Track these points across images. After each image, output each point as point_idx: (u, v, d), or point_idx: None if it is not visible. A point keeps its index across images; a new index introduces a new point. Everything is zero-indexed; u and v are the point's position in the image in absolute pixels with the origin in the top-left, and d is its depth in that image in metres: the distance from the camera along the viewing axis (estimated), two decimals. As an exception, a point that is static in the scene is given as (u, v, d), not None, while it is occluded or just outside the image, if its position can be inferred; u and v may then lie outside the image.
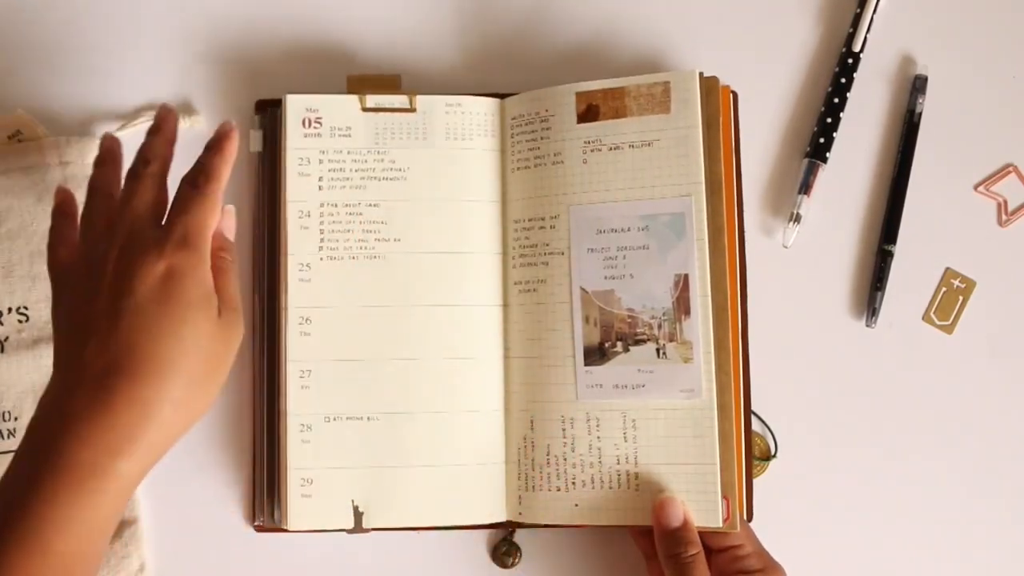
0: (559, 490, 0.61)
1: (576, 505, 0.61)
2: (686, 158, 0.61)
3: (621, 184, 0.62)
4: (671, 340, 0.60)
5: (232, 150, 0.55)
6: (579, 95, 0.63)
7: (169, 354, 0.48)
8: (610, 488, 0.60)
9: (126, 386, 0.47)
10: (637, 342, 0.61)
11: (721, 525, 0.58)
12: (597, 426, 0.61)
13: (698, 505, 0.59)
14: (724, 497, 0.59)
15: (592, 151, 0.63)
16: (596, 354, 0.61)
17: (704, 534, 0.59)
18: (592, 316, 0.62)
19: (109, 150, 0.57)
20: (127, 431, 0.47)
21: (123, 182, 0.55)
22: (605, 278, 0.62)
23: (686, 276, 0.60)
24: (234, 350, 0.52)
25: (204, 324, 0.50)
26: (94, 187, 0.55)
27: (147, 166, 0.54)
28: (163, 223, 0.52)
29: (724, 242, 0.61)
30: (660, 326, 0.61)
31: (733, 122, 0.64)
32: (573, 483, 0.61)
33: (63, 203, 0.56)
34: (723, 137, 0.62)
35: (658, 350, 0.60)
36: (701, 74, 0.62)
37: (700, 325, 0.60)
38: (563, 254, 0.62)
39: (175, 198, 0.53)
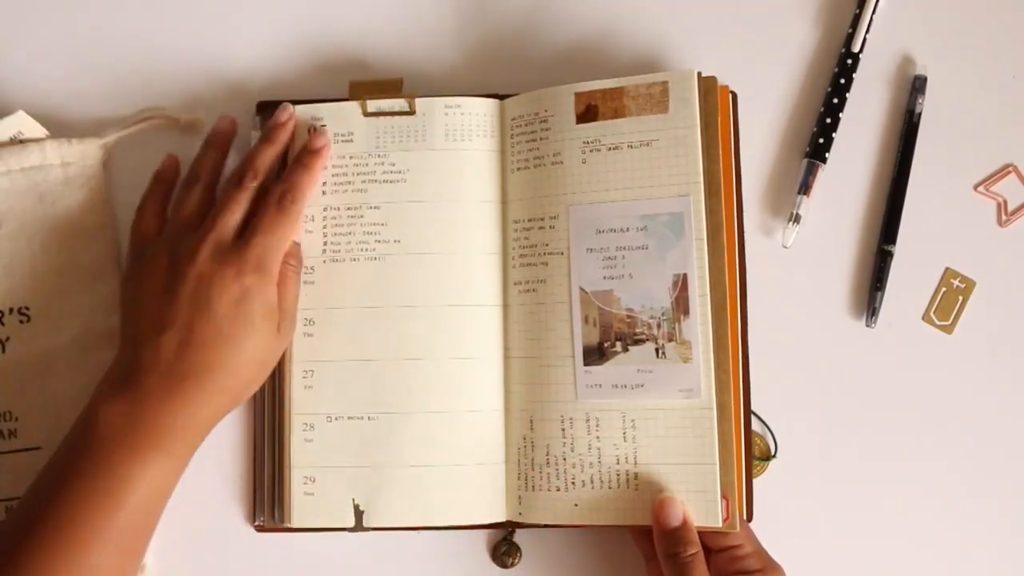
0: (559, 490, 0.61)
1: (576, 505, 0.61)
2: (684, 158, 0.61)
3: (620, 184, 0.62)
4: (670, 340, 0.60)
5: (320, 167, 0.63)
6: (578, 95, 0.63)
7: (232, 360, 0.57)
8: (609, 488, 0.60)
9: (193, 381, 0.56)
10: (636, 342, 0.61)
11: (721, 525, 0.58)
12: (596, 426, 0.61)
13: (697, 505, 0.59)
14: (724, 497, 0.58)
15: (591, 151, 0.63)
16: (595, 354, 0.61)
17: (703, 534, 0.59)
18: (591, 316, 0.62)
19: (223, 133, 0.65)
20: (186, 417, 0.56)
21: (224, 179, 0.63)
22: (604, 278, 0.62)
23: (685, 276, 0.60)
24: (282, 347, 0.61)
25: (264, 337, 0.58)
26: (196, 171, 0.64)
27: (253, 179, 0.61)
28: (245, 237, 0.59)
29: (723, 241, 0.60)
30: (659, 326, 0.60)
31: (732, 122, 0.64)
32: (573, 483, 0.61)
33: (165, 171, 0.65)
34: (722, 137, 0.61)
35: (657, 350, 0.60)
36: (699, 74, 0.62)
37: (699, 325, 0.60)
38: (562, 254, 0.62)
39: (259, 212, 0.60)
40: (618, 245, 0.62)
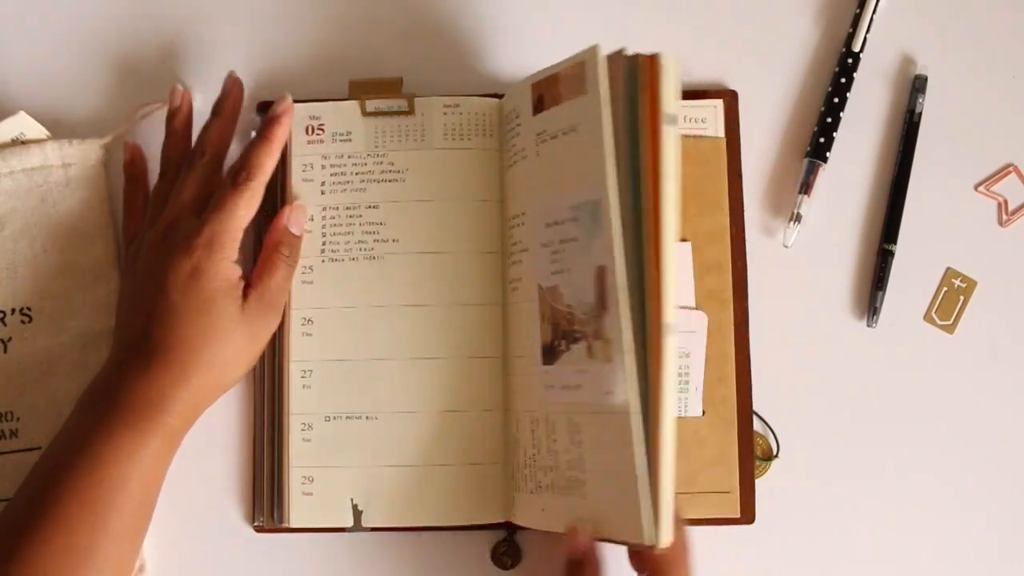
0: (531, 493, 0.59)
1: (542, 510, 0.58)
2: (598, 140, 0.55)
3: (559, 174, 0.58)
4: (596, 338, 0.55)
5: (279, 137, 0.62)
6: (532, 86, 0.60)
7: (192, 335, 0.57)
8: (566, 494, 0.57)
9: (161, 357, 0.57)
10: (575, 340, 0.56)
11: (644, 542, 0.52)
12: (553, 429, 0.58)
13: (620, 520, 0.53)
14: (659, 515, 0.52)
15: (541, 142, 0.59)
16: (550, 353, 0.58)
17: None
18: (546, 313, 0.58)
19: (177, 116, 0.64)
20: (165, 390, 0.56)
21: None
22: (552, 273, 0.58)
23: (603, 268, 0.55)
24: (260, 336, 0.60)
25: (225, 312, 0.58)
26: (163, 161, 0.64)
27: (202, 156, 0.61)
28: (202, 215, 0.59)
29: (649, 231, 0.54)
30: (589, 322, 0.55)
31: (734, 122, 0.64)
32: (540, 486, 0.58)
33: (130, 166, 0.65)
34: (649, 116, 0.54)
35: (588, 348, 0.55)
36: (621, 51, 0.56)
37: (618, 321, 0.53)
38: (527, 251, 0.60)
39: (216, 193, 0.60)
40: (560, 238, 0.58)
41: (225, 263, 0.58)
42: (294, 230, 0.63)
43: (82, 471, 0.54)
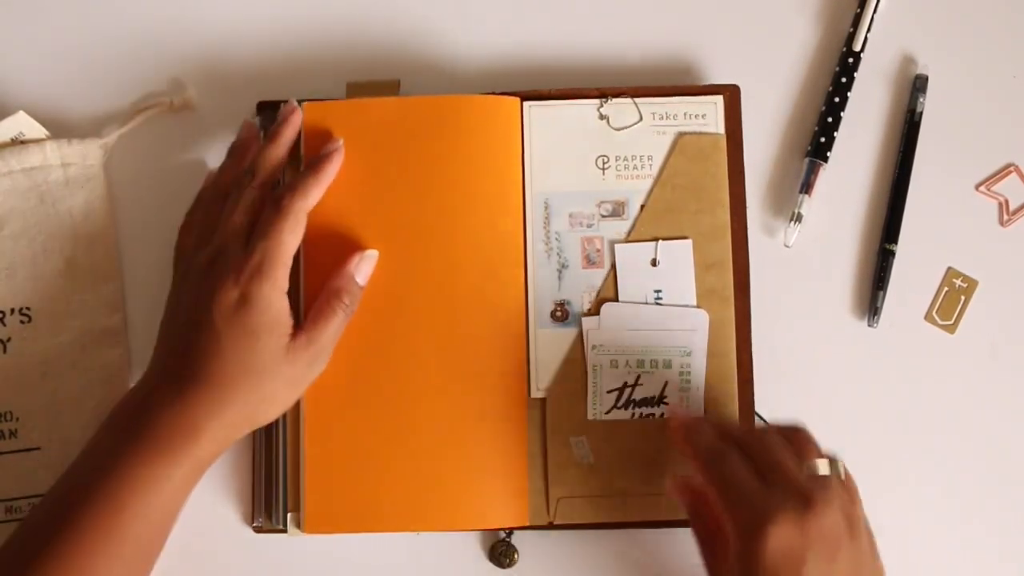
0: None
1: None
2: None
3: None
4: None
5: (330, 172, 0.60)
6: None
7: (232, 370, 0.55)
8: None
9: (194, 389, 0.55)
10: None
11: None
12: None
13: None
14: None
15: None
16: None
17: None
18: None
19: (244, 141, 0.63)
20: (195, 422, 0.54)
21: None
22: None
23: None
24: (300, 382, 0.58)
25: (268, 349, 0.56)
26: (209, 186, 0.62)
27: (253, 177, 0.60)
28: (249, 241, 0.57)
29: None
30: None
31: (737, 117, 0.64)
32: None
33: (204, 190, 0.63)
34: None
35: None
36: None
37: None
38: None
39: (261, 217, 0.58)
40: None
41: (276, 293, 0.56)
42: (359, 280, 0.60)
43: (104, 496, 0.53)
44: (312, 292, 0.61)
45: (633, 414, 0.62)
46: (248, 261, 0.56)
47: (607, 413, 0.62)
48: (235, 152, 0.63)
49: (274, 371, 0.56)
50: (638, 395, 0.62)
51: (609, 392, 0.62)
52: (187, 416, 0.54)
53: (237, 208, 0.59)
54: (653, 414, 0.62)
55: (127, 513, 0.53)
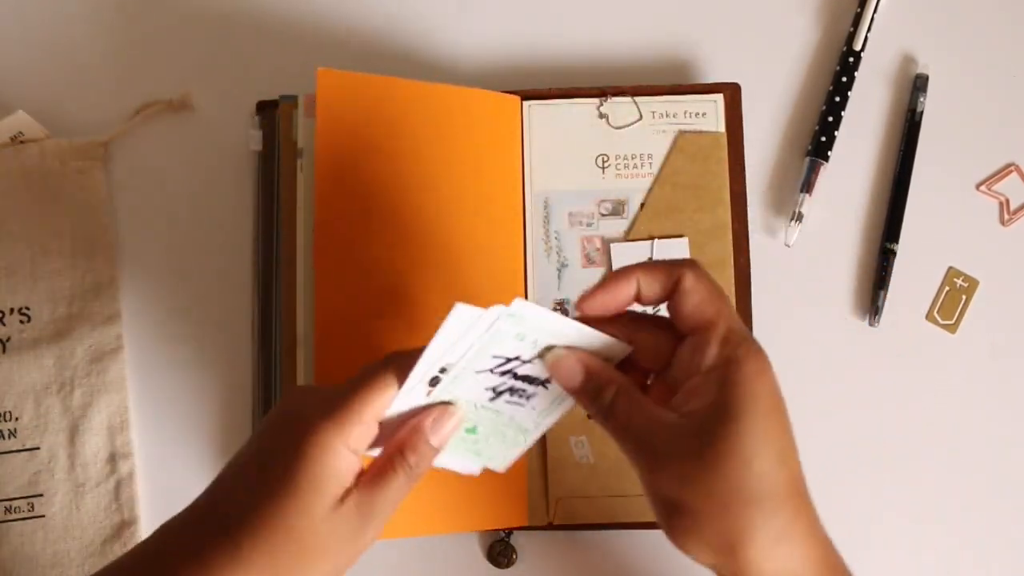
0: None
1: None
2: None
3: None
4: None
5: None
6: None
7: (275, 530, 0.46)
8: None
9: (230, 545, 0.47)
10: None
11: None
12: None
13: None
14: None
15: None
16: None
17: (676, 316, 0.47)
18: None
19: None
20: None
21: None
22: None
23: None
24: (350, 544, 0.47)
25: (314, 511, 0.46)
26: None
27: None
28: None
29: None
30: None
31: (738, 115, 0.64)
32: None
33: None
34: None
35: None
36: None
37: None
38: None
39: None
40: None
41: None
42: (433, 441, 0.49)
43: None
44: (321, 275, 0.60)
45: (633, 414, 0.62)
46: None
47: (607, 413, 0.62)
48: None
49: (319, 531, 0.46)
50: (638, 395, 0.62)
51: (609, 392, 0.62)
52: (213, 567, 0.47)
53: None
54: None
55: None
